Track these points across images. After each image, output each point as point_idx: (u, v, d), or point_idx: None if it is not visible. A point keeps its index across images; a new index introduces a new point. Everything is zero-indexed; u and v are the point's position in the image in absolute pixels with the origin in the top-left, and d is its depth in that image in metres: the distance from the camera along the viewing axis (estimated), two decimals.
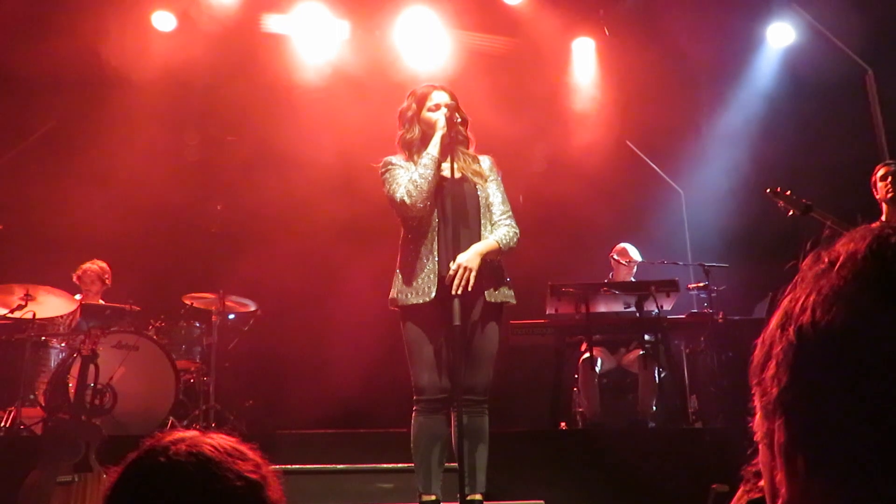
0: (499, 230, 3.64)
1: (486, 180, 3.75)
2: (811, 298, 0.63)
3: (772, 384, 0.65)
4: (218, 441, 1.19)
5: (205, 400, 5.99)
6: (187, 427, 5.23)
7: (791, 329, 0.64)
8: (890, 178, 4.74)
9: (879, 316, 0.59)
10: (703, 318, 5.94)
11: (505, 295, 3.66)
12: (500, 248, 3.59)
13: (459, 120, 3.71)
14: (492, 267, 3.62)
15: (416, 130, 3.76)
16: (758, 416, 0.68)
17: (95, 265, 6.44)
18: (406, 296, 3.57)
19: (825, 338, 0.61)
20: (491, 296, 3.60)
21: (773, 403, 0.65)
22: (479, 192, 3.70)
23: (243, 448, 1.21)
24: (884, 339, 0.58)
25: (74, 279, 6.37)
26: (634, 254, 6.44)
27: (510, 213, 3.72)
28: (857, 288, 0.61)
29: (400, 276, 3.65)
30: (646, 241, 6.86)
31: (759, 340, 0.68)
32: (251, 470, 1.17)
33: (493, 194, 3.73)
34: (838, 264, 0.64)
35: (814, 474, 0.62)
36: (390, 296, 3.68)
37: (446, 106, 3.70)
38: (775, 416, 0.65)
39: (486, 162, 3.83)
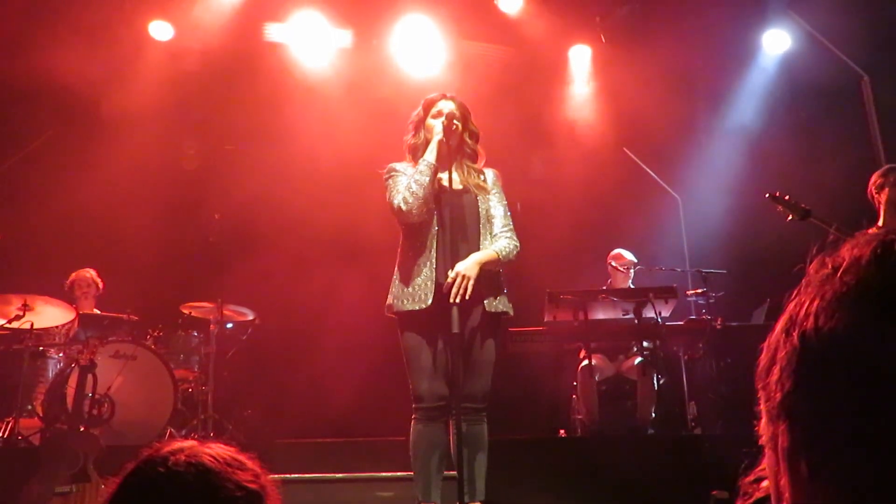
0: (499, 242, 3.65)
1: (488, 193, 3.76)
2: (815, 304, 0.64)
3: (776, 389, 0.65)
4: (217, 451, 1.19)
5: (203, 409, 5.97)
6: (186, 437, 5.21)
7: (795, 334, 0.64)
8: None
9: (882, 322, 0.59)
10: (702, 325, 5.93)
11: (505, 305, 3.67)
12: (500, 258, 3.60)
13: (458, 127, 3.71)
14: (491, 277, 3.63)
15: (421, 136, 3.80)
16: (763, 421, 0.68)
17: (87, 272, 6.43)
18: (402, 302, 3.58)
19: (828, 343, 0.61)
20: (490, 305, 3.61)
21: (776, 408, 0.65)
22: (479, 204, 3.72)
23: (242, 458, 1.20)
24: (886, 345, 0.58)
25: (67, 286, 6.34)
26: (629, 256, 6.47)
27: (511, 226, 3.74)
28: (861, 294, 0.62)
29: (397, 282, 3.66)
30: (643, 247, 6.86)
31: (765, 345, 0.68)
32: (250, 480, 1.17)
33: (495, 207, 3.75)
34: (842, 270, 0.64)
35: (816, 479, 0.62)
36: (387, 302, 3.69)
37: (447, 115, 3.71)
38: (779, 421, 0.65)
39: (489, 175, 3.85)
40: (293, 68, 7.61)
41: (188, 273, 6.92)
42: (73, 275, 6.42)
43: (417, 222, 3.63)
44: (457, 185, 3.71)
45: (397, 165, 3.78)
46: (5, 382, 5.44)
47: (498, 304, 3.65)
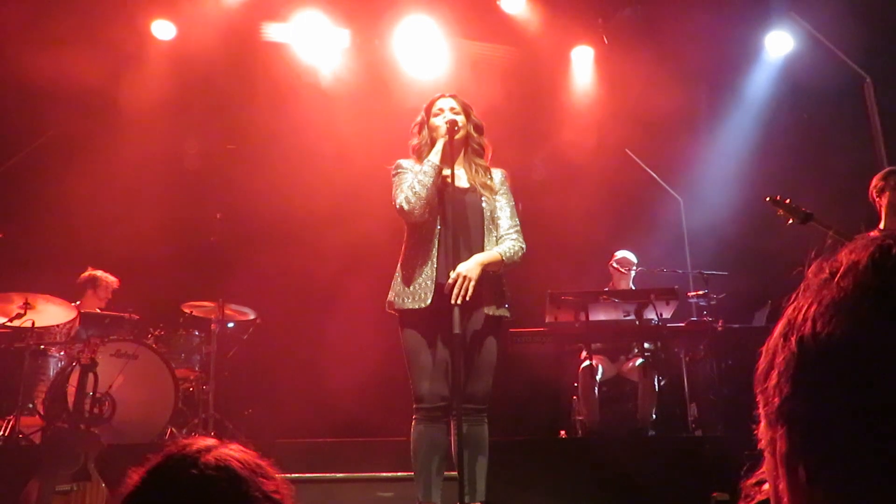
0: (504, 243, 3.64)
1: (494, 193, 3.75)
2: (813, 309, 0.63)
3: (774, 393, 0.65)
4: (241, 455, 1.18)
5: (204, 408, 5.98)
6: (186, 436, 5.21)
7: (793, 339, 0.64)
8: None
9: (879, 327, 0.59)
10: (703, 326, 5.93)
11: (504, 310, 3.67)
12: (503, 260, 3.58)
13: (460, 125, 3.71)
14: (493, 280, 3.62)
15: (425, 136, 3.80)
16: (762, 425, 0.68)
17: (112, 279, 6.43)
18: (403, 300, 3.57)
19: (825, 349, 0.61)
20: (490, 308, 3.60)
21: (775, 413, 0.65)
22: (484, 204, 3.69)
23: (264, 464, 1.20)
24: (883, 350, 0.58)
25: (82, 280, 6.33)
26: (630, 257, 6.47)
27: (518, 227, 3.71)
28: (858, 299, 0.61)
29: (399, 279, 3.65)
30: (645, 249, 6.86)
31: (764, 349, 0.68)
32: (274, 490, 1.17)
33: (502, 208, 3.72)
34: (839, 274, 0.64)
35: (814, 483, 0.62)
36: (388, 298, 3.68)
37: (451, 110, 3.72)
38: (777, 425, 0.65)
39: (497, 175, 3.82)
40: (295, 68, 7.62)
41: (189, 272, 6.92)
42: (99, 274, 6.37)
43: (420, 221, 3.63)
44: (462, 184, 3.69)
45: (404, 162, 3.78)
46: (6, 381, 5.44)
47: (499, 310, 3.65)
